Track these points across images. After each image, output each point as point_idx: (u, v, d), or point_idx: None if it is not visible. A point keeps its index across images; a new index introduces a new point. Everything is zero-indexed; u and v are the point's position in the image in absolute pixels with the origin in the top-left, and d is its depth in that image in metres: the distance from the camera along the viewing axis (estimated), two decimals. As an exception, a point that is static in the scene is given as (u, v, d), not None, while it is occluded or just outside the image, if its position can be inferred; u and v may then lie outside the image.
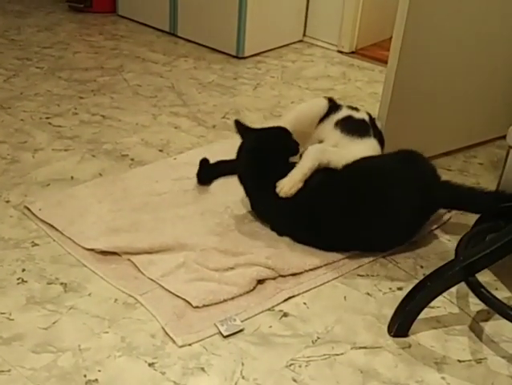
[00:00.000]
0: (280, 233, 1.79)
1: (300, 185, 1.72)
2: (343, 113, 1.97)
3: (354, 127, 1.91)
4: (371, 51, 3.26)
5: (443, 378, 1.40)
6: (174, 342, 1.42)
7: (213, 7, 3.07)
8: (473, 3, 2.05)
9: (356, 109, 2.02)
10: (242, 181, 1.84)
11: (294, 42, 3.33)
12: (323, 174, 1.74)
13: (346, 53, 3.24)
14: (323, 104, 2.00)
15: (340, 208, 1.71)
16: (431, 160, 1.90)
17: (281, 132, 1.87)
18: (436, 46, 2.06)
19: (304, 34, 3.36)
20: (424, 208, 1.79)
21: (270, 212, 1.81)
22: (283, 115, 2.26)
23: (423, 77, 2.08)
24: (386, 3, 3.15)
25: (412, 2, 1.90)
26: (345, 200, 1.71)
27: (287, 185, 1.72)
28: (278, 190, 1.72)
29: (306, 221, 1.74)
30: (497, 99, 2.33)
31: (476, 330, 1.54)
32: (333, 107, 2.00)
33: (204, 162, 2.03)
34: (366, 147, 1.87)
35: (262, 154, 1.80)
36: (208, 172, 2.02)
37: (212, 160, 2.05)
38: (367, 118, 1.98)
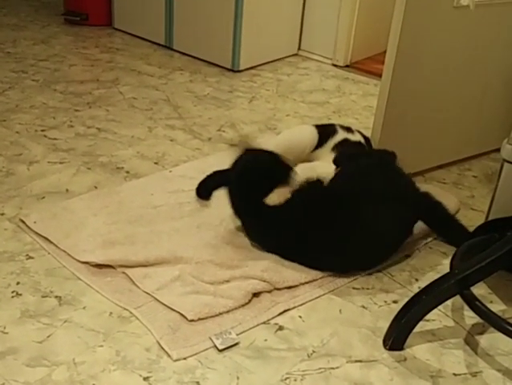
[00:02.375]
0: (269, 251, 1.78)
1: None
2: (339, 137, 2.01)
3: (350, 149, 1.95)
4: (366, 65, 3.28)
5: (438, 391, 1.40)
6: (169, 355, 1.42)
7: (208, 21, 3.09)
8: (467, 18, 2.07)
9: (350, 130, 2.05)
10: (231, 200, 1.82)
11: (289, 56, 3.35)
12: (308, 193, 1.75)
13: (340, 66, 3.27)
14: (313, 136, 2.03)
15: (324, 227, 1.70)
16: (426, 173, 1.90)
17: (272, 158, 1.81)
18: (429, 60, 2.07)
19: (299, 48, 3.38)
20: (407, 221, 1.80)
21: (259, 233, 1.81)
22: (271, 140, 2.18)
23: (417, 90, 2.10)
24: (380, 17, 3.18)
25: (406, 16, 1.92)
26: (329, 220, 1.70)
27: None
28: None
29: (293, 241, 1.73)
30: (491, 112, 2.35)
31: (471, 344, 1.54)
32: (325, 133, 2.02)
33: (203, 181, 2.03)
34: None
35: (251, 179, 1.77)
36: (207, 188, 2.02)
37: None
38: (362, 140, 2.02)
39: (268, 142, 2.15)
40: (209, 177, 2.03)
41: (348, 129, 2.06)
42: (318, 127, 2.08)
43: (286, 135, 2.14)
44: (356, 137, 2.02)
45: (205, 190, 2.00)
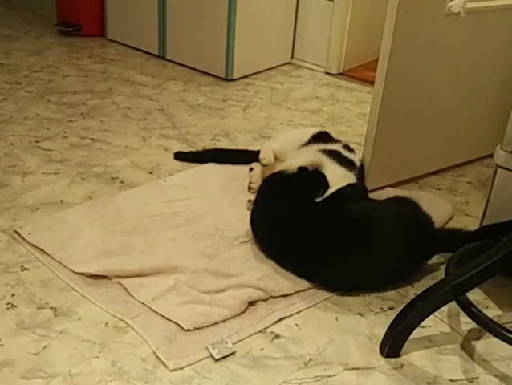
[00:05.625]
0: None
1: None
2: (332, 146, 2.00)
3: (337, 158, 1.93)
4: (359, 72, 3.30)
5: (436, 398, 1.40)
6: (165, 365, 1.41)
7: (201, 30, 3.09)
8: (458, 25, 2.08)
9: (351, 150, 2.04)
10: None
11: (282, 64, 3.36)
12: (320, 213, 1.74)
13: (334, 74, 3.28)
14: (313, 131, 2.06)
15: (329, 246, 1.69)
16: (420, 180, 1.90)
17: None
18: (422, 67, 2.08)
19: (292, 56, 3.39)
20: (417, 255, 1.77)
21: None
22: (276, 136, 2.32)
23: (410, 97, 2.11)
24: (372, 25, 3.20)
25: (397, 24, 1.93)
26: (336, 240, 1.69)
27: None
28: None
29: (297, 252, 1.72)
30: (485, 118, 2.36)
31: (467, 349, 1.54)
32: (325, 138, 2.03)
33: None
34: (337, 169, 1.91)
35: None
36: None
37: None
38: (357, 162, 2.01)
39: (275, 140, 2.19)
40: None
41: (350, 149, 2.05)
42: (322, 132, 2.09)
43: (288, 134, 2.23)
44: (352, 156, 2.01)
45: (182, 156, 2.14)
